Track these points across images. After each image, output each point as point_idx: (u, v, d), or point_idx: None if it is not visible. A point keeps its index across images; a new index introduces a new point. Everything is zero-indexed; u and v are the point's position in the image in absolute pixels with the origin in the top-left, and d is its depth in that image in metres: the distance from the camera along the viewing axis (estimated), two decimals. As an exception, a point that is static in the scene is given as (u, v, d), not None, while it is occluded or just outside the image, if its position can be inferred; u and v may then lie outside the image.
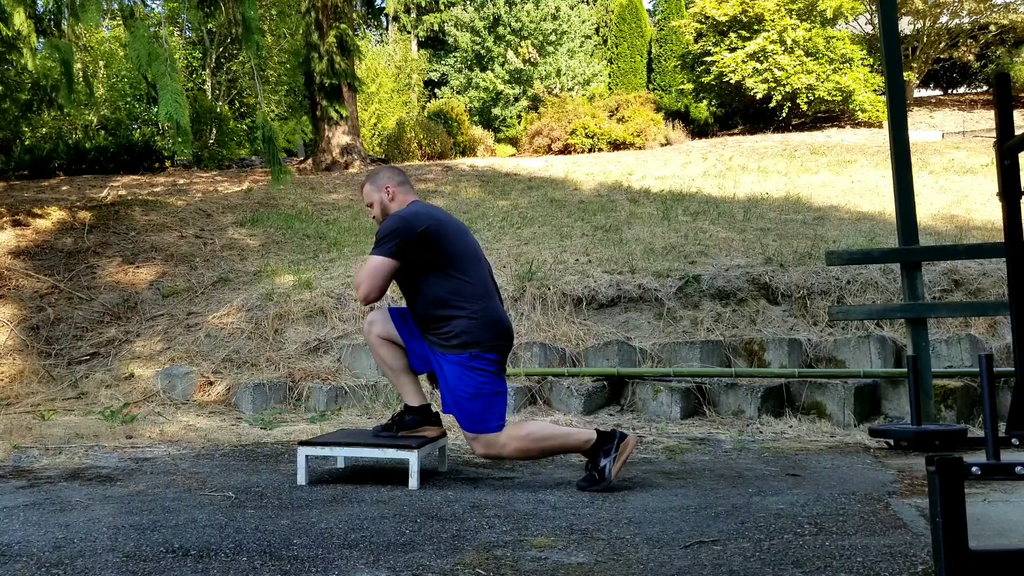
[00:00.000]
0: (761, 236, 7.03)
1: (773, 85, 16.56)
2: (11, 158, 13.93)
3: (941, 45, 19.30)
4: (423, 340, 3.17)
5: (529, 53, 23.24)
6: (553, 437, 3.09)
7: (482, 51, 24.65)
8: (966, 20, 18.96)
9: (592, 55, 24.80)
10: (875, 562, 2.06)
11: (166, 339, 6.33)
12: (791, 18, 16.76)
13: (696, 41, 18.42)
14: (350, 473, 3.39)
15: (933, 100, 21.30)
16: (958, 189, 9.33)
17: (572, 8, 24.97)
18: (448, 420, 4.64)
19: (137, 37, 6.53)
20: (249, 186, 11.82)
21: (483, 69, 24.49)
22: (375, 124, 22.04)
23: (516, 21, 24.00)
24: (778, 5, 16.83)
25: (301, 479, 3.12)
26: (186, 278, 7.44)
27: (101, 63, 17.55)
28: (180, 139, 6.69)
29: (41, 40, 8.51)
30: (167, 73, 6.44)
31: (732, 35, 17.35)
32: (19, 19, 6.98)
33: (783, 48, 16.58)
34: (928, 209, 8.00)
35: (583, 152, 15.77)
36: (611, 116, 16.96)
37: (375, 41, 27.94)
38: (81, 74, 8.73)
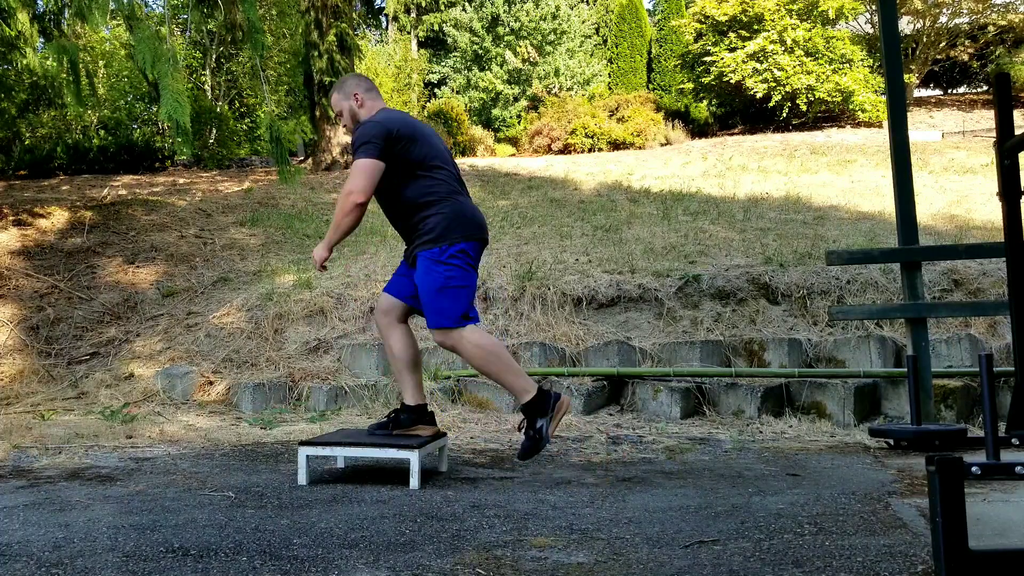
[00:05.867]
0: (761, 236, 7.02)
1: (773, 85, 16.55)
2: (11, 158, 13.93)
3: (941, 45, 19.28)
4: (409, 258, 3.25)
5: (528, 53, 23.19)
6: (502, 360, 3.12)
7: (480, 51, 24.62)
8: (965, 20, 18.94)
9: (592, 55, 24.75)
10: (875, 562, 2.06)
11: (166, 339, 6.33)
12: (791, 18, 16.76)
13: (696, 41, 18.40)
14: (350, 473, 3.39)
15: (933, 100, 21.28)
16: (958, 189, 9.33)
17: (572, 8, 24.93)
18: (447, 421, 4.64)
19: (141, 38, 6.52)
20: (249, 186, 11.83)
21: (482, 69, 24.46)
22: (376, 123, 21.95)
23: (515, 21, 23.95)
24: (778, 5, 16.82)
25: (302, 479, 3.12)
26: (186, 278, 7.44)
27: (101, 63, 17.54)
28: (181, 139, 6.69)
29: (42, 40, 8.51)
30: (170, 73, 6.44)
31: (732, 35, 17.33)
32: (22, 19, 6.99)
33: (783, 48, 16.58)
34: (928, 209, 8.00)
35: (583, 152, 15.76)
36: (611, 116, 16.95)
37: (375, 41, 27.91)
38: (83, 73, 8.73)
